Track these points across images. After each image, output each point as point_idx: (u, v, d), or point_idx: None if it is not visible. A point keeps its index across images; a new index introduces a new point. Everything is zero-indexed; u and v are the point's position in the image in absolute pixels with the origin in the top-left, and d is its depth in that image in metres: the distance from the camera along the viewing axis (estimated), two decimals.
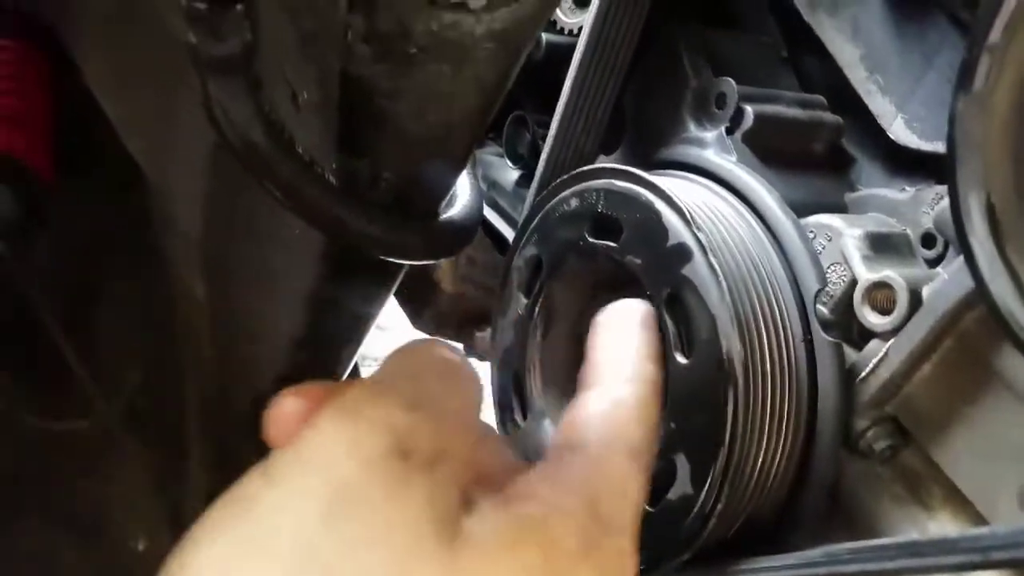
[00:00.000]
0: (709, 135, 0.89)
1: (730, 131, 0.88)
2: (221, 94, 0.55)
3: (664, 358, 0.74)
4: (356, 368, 1.31)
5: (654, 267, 0.78)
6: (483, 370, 1.08)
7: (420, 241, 0.76)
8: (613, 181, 0.84)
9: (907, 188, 0.84)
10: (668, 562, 0.77)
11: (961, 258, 0.67)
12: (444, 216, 0.78)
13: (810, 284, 0.78)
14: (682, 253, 0.76)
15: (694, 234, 0.76)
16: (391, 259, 0.76)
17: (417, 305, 1.25)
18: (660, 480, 0.75)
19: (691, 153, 0.89)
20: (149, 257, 1.07)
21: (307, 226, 0.68)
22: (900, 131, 0.84)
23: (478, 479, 0.49)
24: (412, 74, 0.60)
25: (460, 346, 1.29)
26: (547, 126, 0.99)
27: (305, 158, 0.62)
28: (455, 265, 1.20)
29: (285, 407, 0.50)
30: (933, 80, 0.83)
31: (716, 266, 0.74)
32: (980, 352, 0.70)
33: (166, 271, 1.06)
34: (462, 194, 0.81)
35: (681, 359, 0.76)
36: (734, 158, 0.86)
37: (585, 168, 0.88)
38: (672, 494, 0.75)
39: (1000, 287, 0.57)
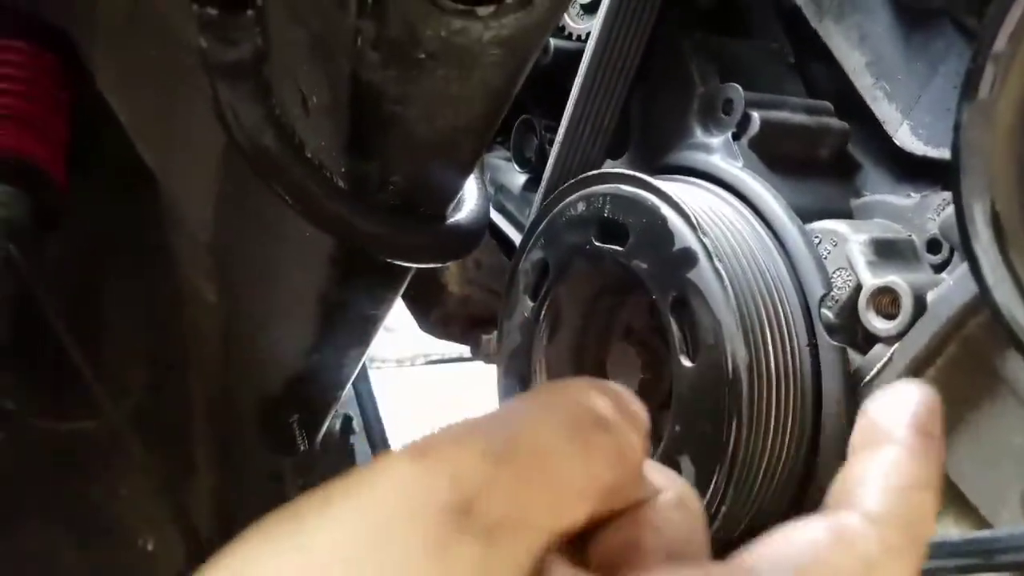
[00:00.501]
0: (716, 140, 0.89)
1: (736, 137, 0.88)
2: (232, 98, 0.56)
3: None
4: (364, 369, 1.31)
5: (660, 271, 0.79)
6: (489, 372, 1.09)
7: (428, 244, 0.77)
8: (620, 186, 0.84)
9: (912, 194, 0.84)
10: None
11: (966, 264, 0.67)
12: (451, 220, 0.79)
13: (815, 289, 0.78)
14: (688, 258, 0.77)
15: (700, 239, 0.77)
16: (398, 262, 0.77)
17: (424, 307, 1.26)
18: None
19: (697, 158, 0.89)
20: (156, 258, 1.08)
21: (316, 229, 0.69)
22: (906, 137, 0.85)
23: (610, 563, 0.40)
24: (421, 79, 0.61)
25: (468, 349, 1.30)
26: (554, 130, 0.99)
27: (315, 161, 0.62)
28: (462, 268, 1.20)
29: None
30: (939, 86, 0.83)
31: (722, 271, 0.75)
32: (984, 357, 0.70)
33: (174, 272, 1.07)
34: (469, 198, 0.82)
35: (686, 363, 0.76)
36: (740, 163, 0.87)
37: (592, 173, 0.89)
38: None
39: (1004, 293, 0.57)
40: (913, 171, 0.86)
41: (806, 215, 0.83)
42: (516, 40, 0.61)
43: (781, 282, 0.79)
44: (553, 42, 1.05)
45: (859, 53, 0.88)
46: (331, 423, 1.25)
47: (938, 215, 0.80)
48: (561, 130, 0.96)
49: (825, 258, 0.80)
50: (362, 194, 0.68)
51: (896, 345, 0.73)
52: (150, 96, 0.89)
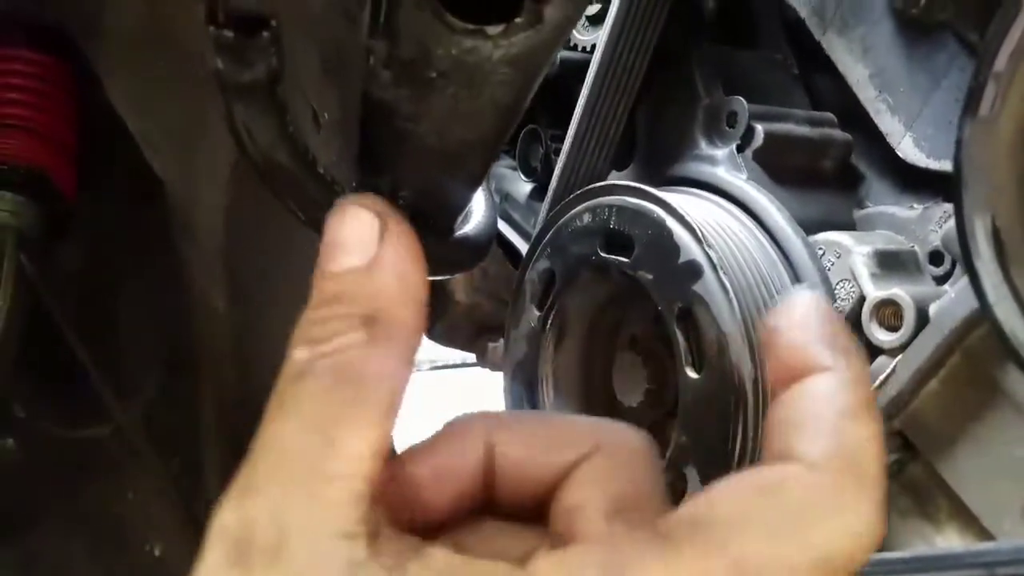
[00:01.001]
0: (720, 152, 0.90)
1: (741, 149, 0.89)
2: (247, 117, 0.57)
3: None
4: None
5: (665, 283, 0.80)
6: (495, 380, 1.09)
7: (437, 257, 0.78)
8: (625, 198, 0.85)
9: (915, 206, 0.85)
10: None
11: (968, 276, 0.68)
12: (460, 232, 0.80)
13: None
14: (693, 270, 0.78)
15: (705, 251, 0.78)
16: None
17: (431, 316, 1.26)
18: (670, 493, 0.76)
19: (702, 170, 0.90)
20: (168, 268, 1.09)
21: None
22: (909, 149, 0.86)
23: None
24: (432, 97, 0.62)
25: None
26: (560, 140, 1.00)
27: (327, 177, 0.63)
28: (469, 277, 1.21)
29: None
30: (941, 99, 0.84)
31: (727, 283, 0.76)
32: (986, 370, 0.71)
33: (185, 282, 1.08)
34: (477, 210, 0.83)
35: (692, 374, 0.77)
36: (744, 176, 0.88)
37: (598, 184, 0.90)
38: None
39: (1005, 310, 0.58)
40: (916, 183, 0.87)
41: (809, 227, 0.84)
42: (525, 58, 0.62)
43: (786, 294, 0.79)
44: (559, 53, 1.06)
45: (862, 65, 0.89)
46: None
47: (940, 227, 0.81)
48: (567, 141, 0.97)
49: (828, 269, 0.81)
50: None
51: (899, 357, 0.74)
52: (161, 106, 0.89)
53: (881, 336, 0.75)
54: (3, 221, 0.94)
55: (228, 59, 0.54)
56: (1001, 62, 0.57)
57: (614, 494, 0.39)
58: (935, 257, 0.80)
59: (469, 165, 0.72)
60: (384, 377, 0.37)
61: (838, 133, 0.92)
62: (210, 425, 1.19)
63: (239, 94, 0.56)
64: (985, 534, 0.72)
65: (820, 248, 0.82)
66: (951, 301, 0.72)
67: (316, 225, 0.67)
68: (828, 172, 0.91)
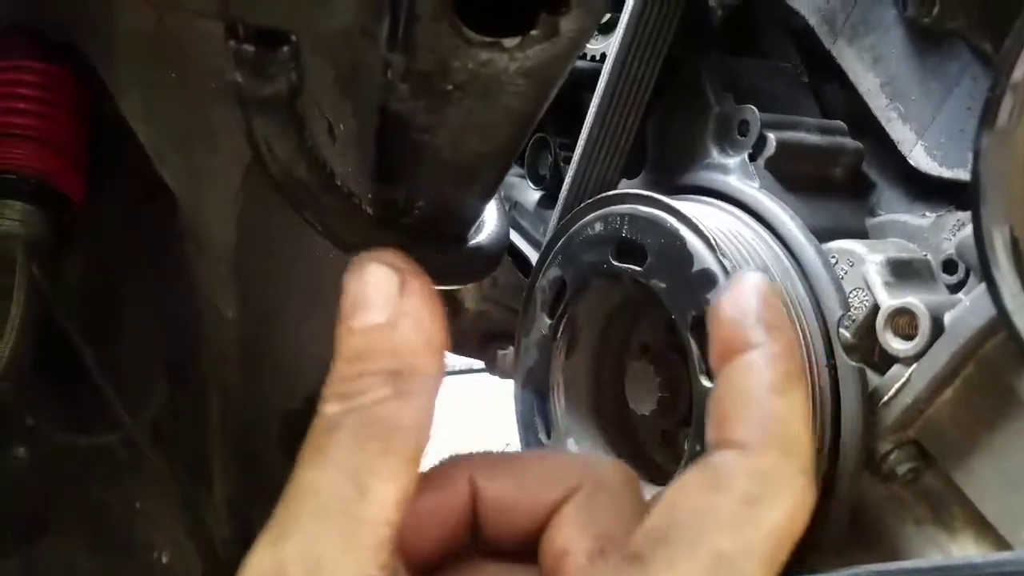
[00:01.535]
0: (732, 161, 0.90)
1: (753, 157, 0.89)
2: (267, 131, 0.57)
3: None
4: None
5: (679, 292, 0.80)
6: (506, 388, 1.09)
7: (450, 266, 0.78)
8: (637, 206, 0.85)
9: (928, 214, 0.85)
10: None
11: (983, 284, 0.68)
12: (473, 242, 0.80)
13: (833, 309, 0.79)
14: (707, 279, 0.78)
15: (719, 260, 0.78)
16: None
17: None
18: None
19: (714, 179, 0.91)
20: (177, 277, 1.09)
21: (344, 252, 0.70)
22: (920, 158, 0.86)
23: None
24: (448, 109, 0.62)
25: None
26: (569, 148, 1.00)
27: (344, 190, 0.63)
28: (479, 285, 1.21)
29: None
30: (953, 108, 0.84)
31: None
32: (1001, 378, 0.71)
33: (194, 291, 1.08)
34: (490, 220, 0.83)
35: (706, 383, 0.77)
36: (757, 184, 0.88)
37: (609, 193, 0.90)
38: None
39: None
40: (928, 191, 0.87)
41: (822, 235, 0.84)
42: (541, 70, 0.62)
43: (799, 302, 0.79)
44: None
45: (873, 74, 0.89)
46: None
47: (954, 235, 0.81)
48: (578, 150, 0.97)
49: (842, 278, 0.81)
50: (389, 218, 0.69)
51: (914, 366, 0.74)
52: (171, 118, 0.90)
53: (896, 345, 0.75)
54: (13, 230, 0.95)
55: (248, 73, 0.54)
56: (1019, 73, 0.57)
57: (597, 534, 0.41)
58: (949, 266, 0.80)
59: (483, 176, 0.72)
60: (410, 428, 0.39)
61: (849, 141, 0.92)
62: (218, 432, 1.19)
63: (259, 108, 0.56)
64: (1001, 543, 0.72)
65: (833, 256, 0.82)
66: (966, 310, 0.72)
67: (333, 236, 0.67)
68: (840, 180, 0.91)
